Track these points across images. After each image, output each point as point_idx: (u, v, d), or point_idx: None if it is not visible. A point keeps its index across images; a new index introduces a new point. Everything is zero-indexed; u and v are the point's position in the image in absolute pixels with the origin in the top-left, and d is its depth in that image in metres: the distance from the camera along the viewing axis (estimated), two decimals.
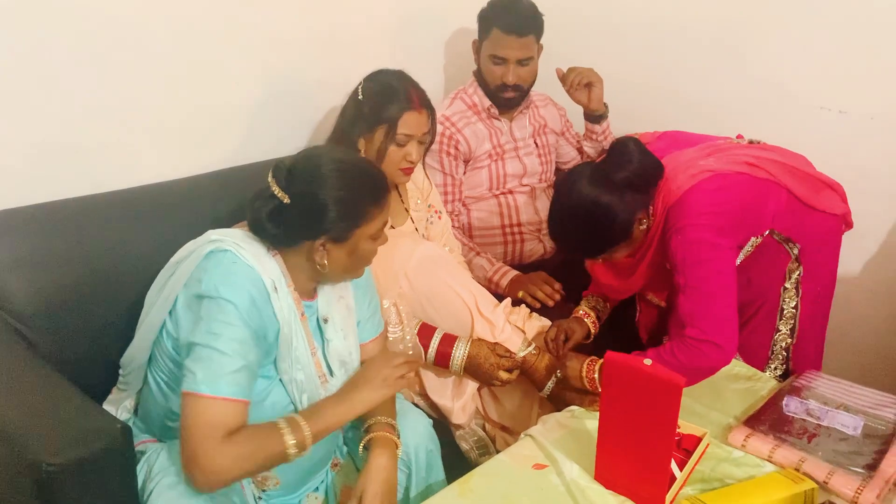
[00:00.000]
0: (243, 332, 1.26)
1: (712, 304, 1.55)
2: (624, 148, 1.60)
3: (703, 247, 1.56)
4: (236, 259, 1.31)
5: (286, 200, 1.30)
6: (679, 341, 1.56)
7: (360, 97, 1.77)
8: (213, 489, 1.23)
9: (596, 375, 1.63)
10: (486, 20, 2.17)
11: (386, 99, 1.75)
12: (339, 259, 1.37)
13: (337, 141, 1.81)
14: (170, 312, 1.36)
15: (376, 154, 1.76)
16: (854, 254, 2.15)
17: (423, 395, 1.81)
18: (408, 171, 1.81)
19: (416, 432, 1.56)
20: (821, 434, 1.46)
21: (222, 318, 1.25)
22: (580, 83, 2.19)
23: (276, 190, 1.30)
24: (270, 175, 1.32)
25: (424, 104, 1.78)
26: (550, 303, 2.02)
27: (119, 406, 1.50)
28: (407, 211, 1.97)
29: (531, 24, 2.14)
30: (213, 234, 1.37)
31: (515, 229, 2.29)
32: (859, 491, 1.32)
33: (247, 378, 1.26)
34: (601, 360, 1.65)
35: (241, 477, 1.27)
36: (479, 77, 2.26)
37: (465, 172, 2.25)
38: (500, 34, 2.13)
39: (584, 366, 1.67)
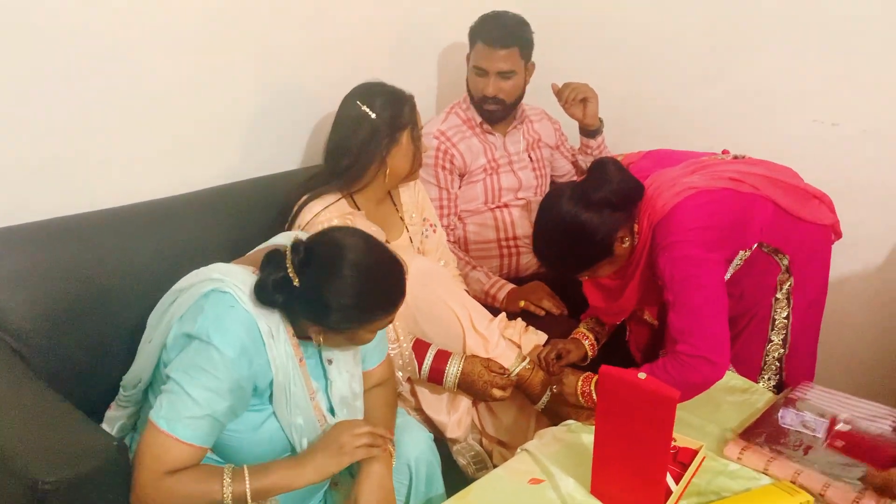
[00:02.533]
0: (220, 382, 1.25)
1: (702, 320, 1.57)
2: (603, 168, 1.63)
3: (690, 262, 1.58)
4: (234, 303, 1.29)
5: (295, 283, 1.28)
6: (672, 357, 1.57)
7: (373, 115, 1.79)
8: None
9: (592, 389, 1.64)
10: (473, 33, 2.21)
11: (398, 103, 1.82)
12: (336, 342, 1.37)
13: (351, 168, 1.80)
14: (164, 342, 1.35)
15: (412, 158, 1.86)
16: (847, 264, 2.16)
17: (419, 410, 1.81)
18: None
19: (416, 445, 1.56)
20: (816, 446, 1.47)
21: (203, 363, 1.25)
22: (575, 98, 2.21)
23: (290, 268, 1.28)
24: (289, 248, 1.30)
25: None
26: (556, 310, 2.03)
27: (117, 423, 1.50)
28: (402, 220, 1.98)
29: (513, 37, 2.16)
30: (216, 270, 1.35)
31: (511, 243, 2.30)
32: (855, 502, 1.32)
33: (208, 426, 1.26)
34: (597, 376, 1.65)
35: None
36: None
37: (460, 187, 2.27)
38: (483, 46, 2.15)
39: (580, 381, 1.67)
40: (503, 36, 2.15)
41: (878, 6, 2.00)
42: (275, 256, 1.31)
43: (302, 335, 1.38)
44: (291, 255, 1.29)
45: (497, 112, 2.24)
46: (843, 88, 2.11)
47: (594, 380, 1.66)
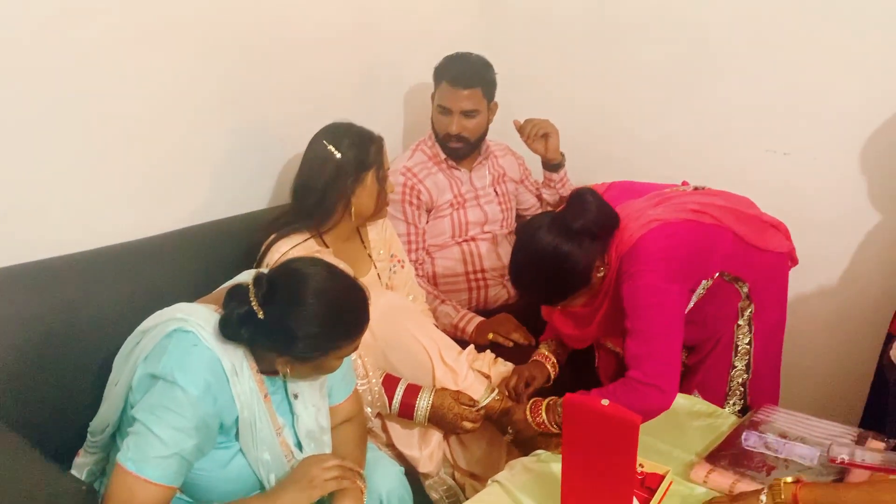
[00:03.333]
0: (185, 421, 1.26)
1: (657, 348, 1.60)
2: (582, 198, 1.67)
3: (651, 292, 1.62)
4: (197, 341, 1.30)
5: (260, 315, 1.29)
6: (623, 382, 1.60)
7: (339, 155, 1.82)
8: None
9: (543, 417, 1.67)
10: (437, 73, 2.27)
11: (364, 144, 1.84)
12: (302, 372, 1.38)
13: (317, 205, 1.83)
14: (130, 384, 1.35)
15: (377, 197, 1.87)
16: (804, 288, 2.23)
17: (390, 445, 1.82)
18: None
19: (388, 479, 1.57)
20: (779, 466, 1.50)
21: (168, 403, 1.26)
22: (537, 134, 2.26)
23: (253, 301, 1.30)
24: (251, 282, 1.32)
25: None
26: (524, 341, 2.07)
27: (86, 469, 1.48)
28: (370, 257, 2.00)
29: (476, 78, 2.22)
30: (179, 310, 1.36)
31: (479, 275, 2.34)
32: None
33: (176, 465, 1.26)
34: (546, 401, 1.69)
35: None
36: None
37: (427, 221, 2.30)
38: (447, 86, 2.21)
39: (528, 410, 1.70)
40: (467, 76, 2.21)
41: (824, 42, 2.09)
42: (237, 292, 1.33)
43: (266, 370, 1.39)
44: (254, 288, 1.31)
45: (461, 150, 2.29)
46: (794, 119, 2.20)
47: (544, 404, 1.68)
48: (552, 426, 1.66)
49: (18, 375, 1.51)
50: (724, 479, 1.47)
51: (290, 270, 1.35)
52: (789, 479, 1.29)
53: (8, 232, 1.66)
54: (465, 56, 2.26)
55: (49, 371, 1.55)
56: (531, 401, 1.72)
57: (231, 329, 1.31)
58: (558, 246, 1.63)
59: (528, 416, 1.69)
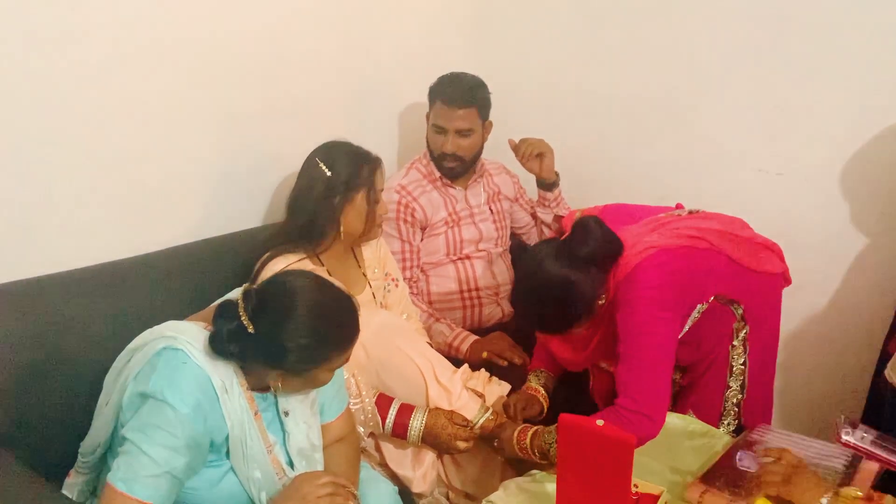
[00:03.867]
0: (175, 439, 1.25)
1: (648, 377, 1.60)
2: (586, 226, 1.66)
3: (646, 320, 1.62)
4: (187, 359, 1.30)
5: (250, 329, 1.29)
6: (611, 410, 1.60)
7: (329, 173, 1.82)
8: None
9: (528, 443, 1.66)
10: (432, 93, 2.28)
11: (357, 163, 1.84)
12: (294, 386, 1.38)
13: (308, 222, 1.83)
14: (121, 403, 1.35)
15: (366, 217, 1.86)
16: (796, 307, 2.22)
17: (383, 465, 1.81)
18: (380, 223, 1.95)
19: (381, 499, 1.57)
20: None
21: (158, 421, 1.25)
22: (532, 153, 2.28)
23: (243, 316, 1.30)
24: (240, 297, 1.32)
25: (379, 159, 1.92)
26: (518, 361, 2.07)
27: (76, 489, 1.47)
28: (365, 275, 2.00)
29: (471, 97, 2.23)
30: (169, 328, 1.36)
31: (473, 294, 2.34)
32: None
33: (167, 484, 1.25)
34: (534, 428, 1.69)
35: None
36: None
37: (422, 239, 2.31)
38: (442, 105, 2.23)
39: (516, 433, 1.70)
40: (461, 96, 2.22)
41: (815, 61, 2.11)
42: (227, 307, 1.33)
43: (257, 388, 1.39)
44: (243, 303, 1.31)
45: (456, 169, 2.30)
46: (786, 140, 2.22)
47: (531, 432, 1.68)
48: (533, 453, 1.66)
49: (9, 394, 1.50)
50: (718, 500, 1.46)
51: (279, 283, 1.36)
52: (859, 494, 1.24)
53: (1, 250, 1.65)
54: (460, 76, 2.28)
55: (40, 390, 1.54)
56: (522, 425, 1.72)
57: (221, 345, 1.30)
58: (567, 275, 1.63)
59: (515, 438, 1.69)
